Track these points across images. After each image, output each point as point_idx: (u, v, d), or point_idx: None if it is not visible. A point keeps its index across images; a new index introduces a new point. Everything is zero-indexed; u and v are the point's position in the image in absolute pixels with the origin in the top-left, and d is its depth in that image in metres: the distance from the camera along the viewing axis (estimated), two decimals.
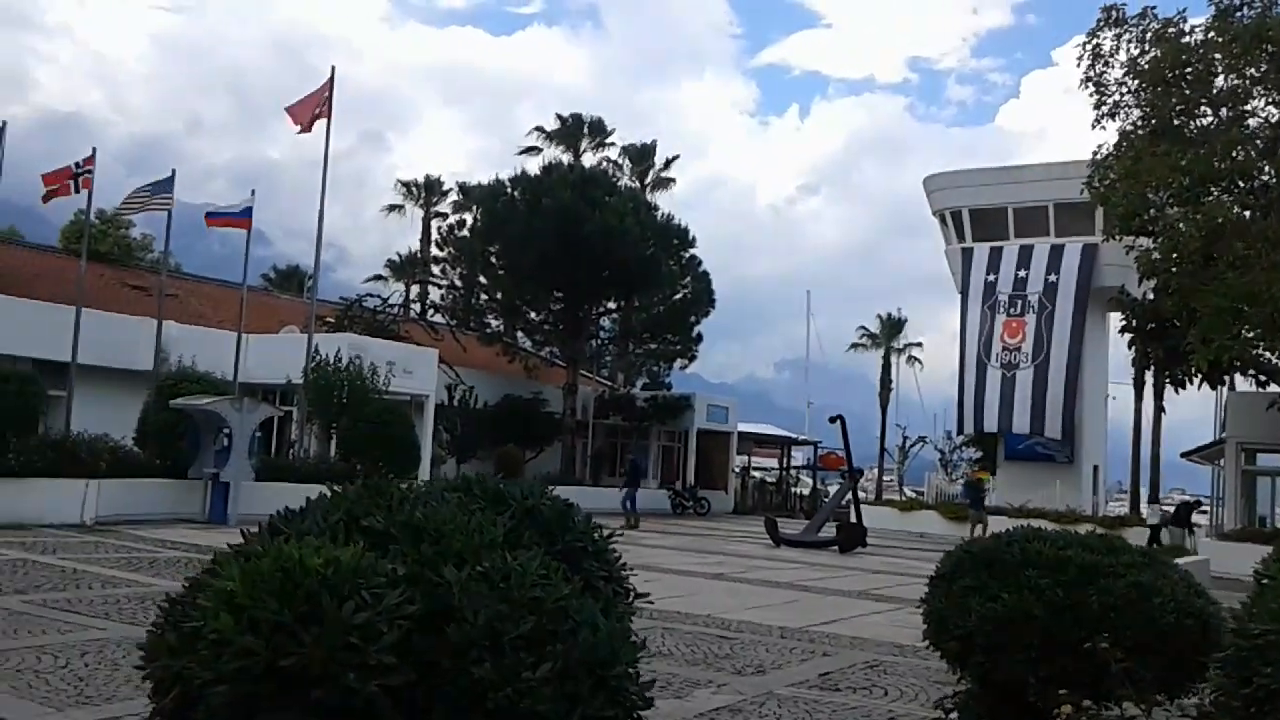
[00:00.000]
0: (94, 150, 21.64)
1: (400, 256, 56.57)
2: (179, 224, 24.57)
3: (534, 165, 42.66)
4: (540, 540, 3.03)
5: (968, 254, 38.25)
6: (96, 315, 22.98)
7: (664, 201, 48.13)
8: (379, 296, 37.73)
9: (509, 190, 37.62)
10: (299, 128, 23.23)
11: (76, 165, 21.18)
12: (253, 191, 23.53)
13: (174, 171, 22.27)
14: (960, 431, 42.23)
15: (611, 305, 41.21)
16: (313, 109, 23.68)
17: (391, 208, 57.43)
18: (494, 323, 41.04)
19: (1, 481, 17.04)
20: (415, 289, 52.96)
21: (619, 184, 43.58)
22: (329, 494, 3.40)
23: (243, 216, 23.12)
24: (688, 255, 40.28)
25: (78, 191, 22.04)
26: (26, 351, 21.81)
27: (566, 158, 48.68)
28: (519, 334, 42.72)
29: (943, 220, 39.58)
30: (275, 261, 64.53)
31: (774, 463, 52.78)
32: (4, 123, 20.40)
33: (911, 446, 58.54)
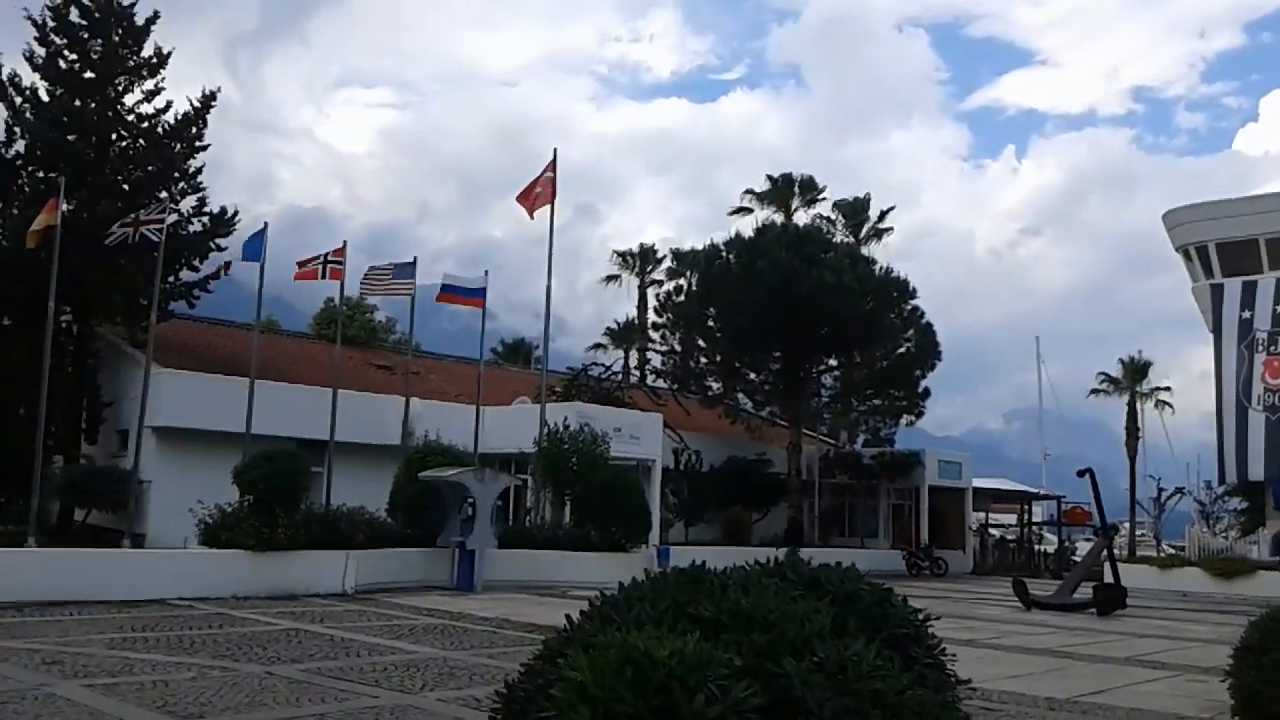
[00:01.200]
0: (344, 243, 23.32)
1: (618, 324, 57.83)
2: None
3: (746, 227, 42.95)
4: (864, 627, 2.92)
5: (1217, 290, 35.61)
6: (350, 395, 24.50)
7: (880, 254, 47.32)
8: (603, 365, 38.66)
9: (723, 253, 37.92)
10: (529, 213, 24.25)
11: (327, 256, 22.82)
12: (485, 272, 24.73)
13: (415, 259, 23.69)
14: (1221, 481, 39.04)
15: (832, 362, 40.64)
16: (534, 192, 24.67)
17: (609, 278, 58.95)
18: (714, 385, 41.21)
19: (272, 554, 18.25)
20: (635, 355, 53.95)
21: (834, 240, 43.22)
22: (648, 580, 3.38)
23: (476, 295, 24.24)
24: (909, 307, 39.32)
25: (325, 278, 23.74)
26: (289, 432, 23.45)
27: (778, 217, 48.75)
28: (740, 395, 42.68)
29: (1186, 256, 37.15)
30: (501, 335, 67.34)
31: (1012, 519, 50.31)
32: (265, 224, 22.33)
33: (1168, 499, 54.50)
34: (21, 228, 23.47)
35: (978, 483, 42.92)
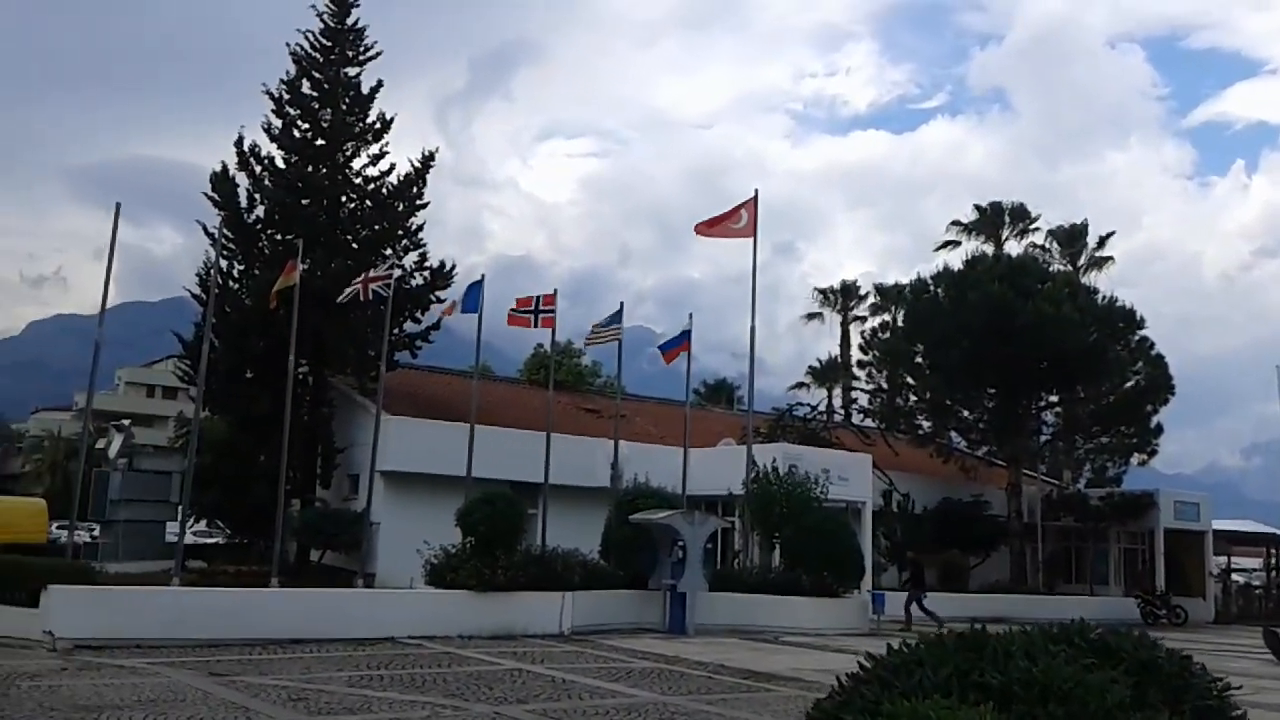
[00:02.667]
0: (554, 291, 23.96)
1: (820, 362, 57.16)
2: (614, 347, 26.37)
3: (954, 259, 41.73)
4: (1165, 699, 2.68)
5: None
6: (561, 439, 25.05)
7: (1101, 283, 44.99)
8: (808, 405, 38.17)
9: (931, 287, 36.90)
10: (700, 233, 24.22)
11: (538, 304, 23.52)
12: (690, 315, 24.86)
13: (621, 304, 24.17)
14: None
15: (1053, 398, 38.72)
16: (722, 223, 24.58)
17: (810, 316, 58.43)
18: (924, 424, 39.97)
19: (493, 595, 18.77)
20: (839, 394, 53.08)
21: (1050, 269, 41.40)
22: (921, 644, 3.23)
23: (683, 341, 24.44)
24: (1137, 338, 37.10)
25: (536, 326, 24.43)
26: (505, 475, 24.18)
27: (988, 248, 47.13)
28: (951, 434, 41.24)
29: None
30: (702, 375, 67.65)
31: (1258, 564, 46.35)
32: (482, 275, 23.28)
33: None
34: (263, 287, 25.30)
35: (1217, 525, 39.78)
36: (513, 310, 23.77)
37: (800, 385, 55.50)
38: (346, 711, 11.05)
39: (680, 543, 20.62)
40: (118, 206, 20.84)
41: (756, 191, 24.78)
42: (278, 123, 29.25)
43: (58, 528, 43.55)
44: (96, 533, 28.53)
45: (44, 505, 43.71)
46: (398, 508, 25.47)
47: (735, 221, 24.00)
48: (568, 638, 18.90)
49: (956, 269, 37.41)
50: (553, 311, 23.56)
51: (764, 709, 12.64)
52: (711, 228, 24.15)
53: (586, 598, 19.83)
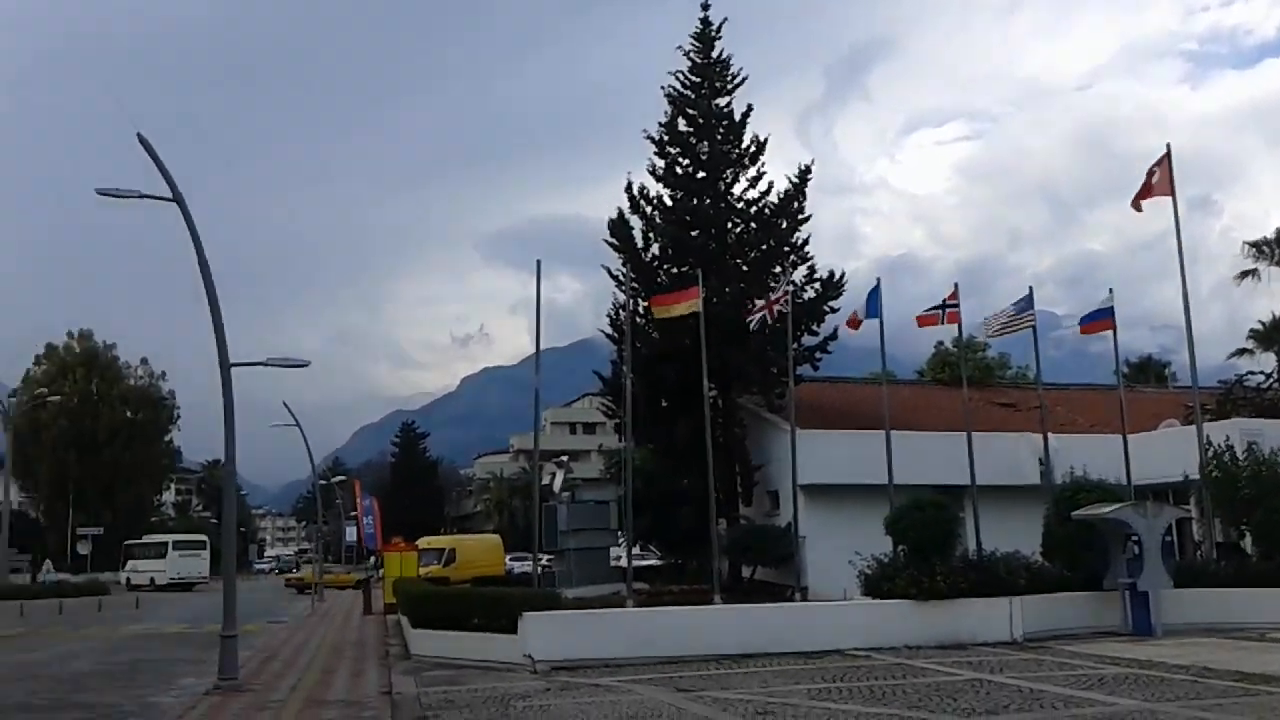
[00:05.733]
0: (955, 286, 23.11)
1: (1263, 324, 50.72)
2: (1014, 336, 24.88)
3: None
4: None
5: None
6: (981, 437, 23.99)
7: None
8: (1260, 373, 33.99)
9: None
10: (1136, 206, 22.29)
11: (945, 301, 22.80)
12: (1110, 291, 22.97)
13: (1030, 290, 22.79)
14: None
15: None
16: (1148, 192, 22.59)
17: (1243, 274, 52.12)
18: None
19: (934, 603, 18.25)
20: None
21: None
22: None
23: (1105, 317, 22.67)
24: None
25: (944, 323, 23.69)
26: (925, 479, 23.53)
27: None
28: None
29: None
30: (1120, 354, 62.51)
31: None
32: (878, 279, 22.95)
33: None
34: (666, 322, 26.50)
35: None
36: (921, 316, 23.25)
37: (1243, 352, 49.50)
38: None
39: (1134, 537, 19.01)
40: (538, 264, 22.79)
41: (1169, 147, 22.57)
42: (660, 163, 30.70)
43: (511, 559, 48.22)
44: (544, 562, 31.09)
45: (499, 540, 48.69)
46: (820, 520, 25.59)
47: (1153, 181, 21.99)
48: (1021, 645, 17.98)
49: None
50: (957, 306, 22.75)
51: (1272, 714, 11.29)
52: (1143, 198, 22.32)
53: (1035, 602, 18.76)
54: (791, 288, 26.32)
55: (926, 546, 18.83)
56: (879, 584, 18.84)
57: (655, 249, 30.39)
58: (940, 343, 39.25)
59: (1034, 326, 22.81)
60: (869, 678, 14.70)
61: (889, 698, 12.86)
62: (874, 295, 22.71)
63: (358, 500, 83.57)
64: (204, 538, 68.47)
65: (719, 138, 30.57)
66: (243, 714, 13.02)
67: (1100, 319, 22.64)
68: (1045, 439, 22.93)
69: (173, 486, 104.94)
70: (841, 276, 29.63)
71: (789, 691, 13.53)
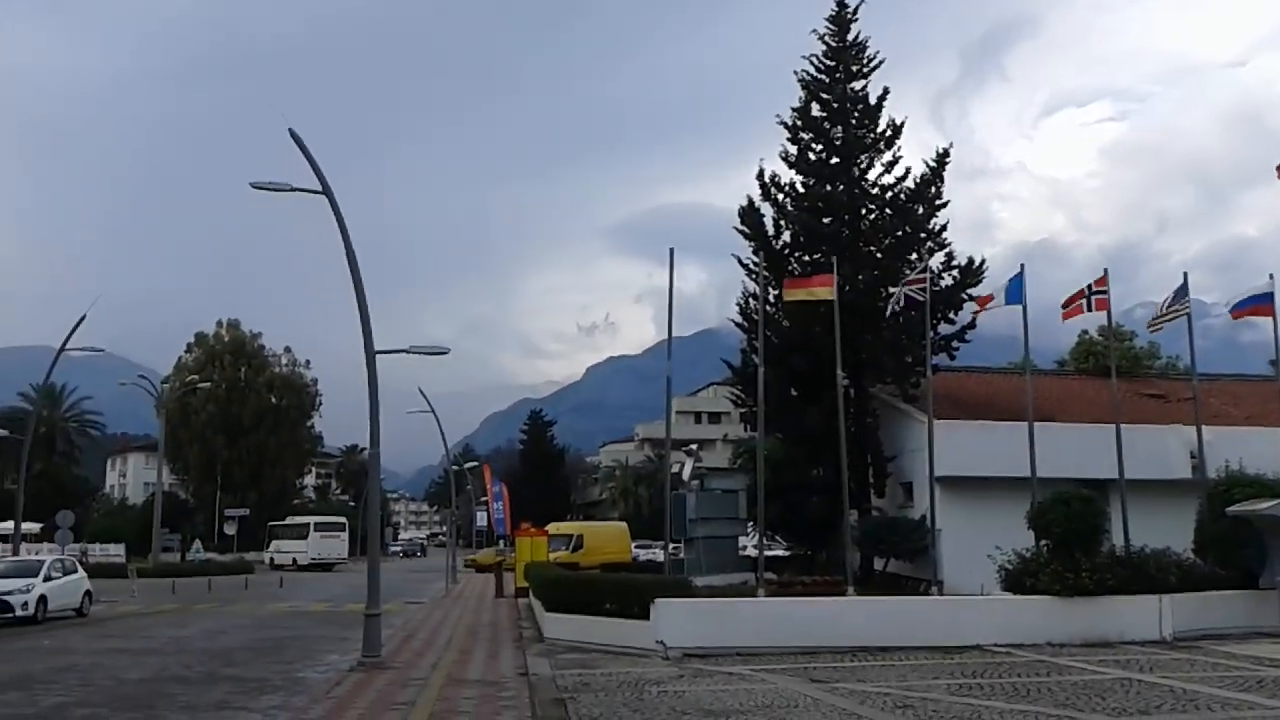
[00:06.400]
0: (1105, 271, 22.23)
1: None
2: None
3: None
4: None
5: None
6: (1129, 429, 23.04)
7: None
8: None
9: None
10: None
11: (1090, 287, 21.93)
12: (1271, 276, 21.69)
13: (1185, 276, 21.71)
14: None
15: None
16: None
17: None
18: None
19: (1078, 600, 17.65)
20: None
21: None
22: None
23: (1263, 303, 21.48)
24: None
25: (1091, 310, 22.76)
26: (1069, 472, 22.68)
27: None
28: None
29: None
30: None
31: None
32: (1022, 265, 22.18)
33: None
34: (797, 309, 26.23)
35: None
36: (1065, 303, 22.42)
37: None
38: None
39: None
40: (671, 252, 22.83)
41: None
42: (793, 150, 30.31)
43: (635, 546, 48.49)
44: (669, 550, 31.08)
45: (626, 528, 49.09)
46: (956, 513, 24.97)
47: None
48: (1170, 644, 17.28)
49: None
50: (1106, 293, 21.84)
51: None
52: None
53: (1187, 600, 17.99)
54: (929, 275, 25.71)
55: (1072, 541, 18.22)
56: (1020, 579, 18.31)
57: (786, 236, 30.04)
58: (1084, 331, 37.69)
59: (1189, 314, 21.76)
60: (1011, 674, 14.30)
61: (1034, 695, 12.48)
62: (1016, 281, 21.90)
63: (488, 486, 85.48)
64: (343, 520, 70.97)
65: (853, 122, 30.03)
66: (387, 690, 13.44)
67: (1257, 304, 21.42)
68: (1199, 431, 21.86)
69: (313, 470, 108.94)
70: (981, 263, 28.79)
71: (928, 686, 13.27)
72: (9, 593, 23.97)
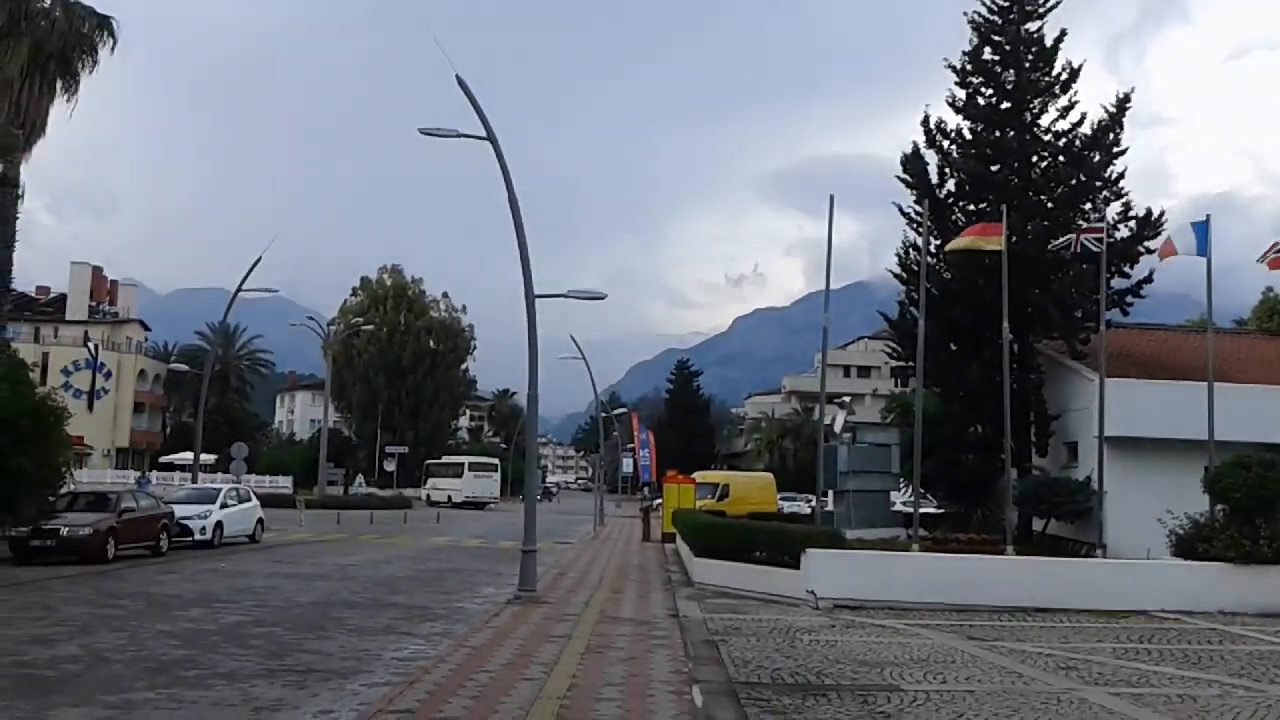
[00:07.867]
0: None
1: None
2: None
3: None
4: None
5: None
6: None
7: None
8: None
9: None
10: None
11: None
12: None
13: None
14: None
15: None
16: None
17: None
18: None
19: (1256, 568, 16.77)
20: None
21: None
22: None
23: None
24: None
25: None
26: (1249, 436, 21.53)
27: None
28: None
29: None
30: None
31: None
32: (1208, 215, 20.85)
33: None
34: (960, 260, 25.40)
35: None
36: (1268, 254, 20.98)
37: None
38: (1125, 684, 10.49)
39: None
40: (831, 199, 22.55)
41: None
42: (961, 94, 29.15)
43: (780, 498, 48.32)
44: (814, 502, 30.83)
45: (772, 479, 48.94)
46: (1124, 474, 23.87)
47: None
48: None
49: None
50: None
51: None
52: None
53: None
54: (1105, 225, 24.46)
55: (1251, 508, 17.25)
56: (1193, 545, 17.47)
57: (950, 185, 29.00)
58: (1269, 289, 35.39)
59: None
60: (1180, 641, 13.71)
61: (1206, 663, 11.93)
62: (1202, 231, 20.53)
63: (635, 433, 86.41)
64: (495, 461, 73.06)
65: (1027, 65, 28.62)
66: (543, 624, 13.79)
67: None
68: None
69: (467, 413, 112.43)
70: (1160, 215, 27.16)
71: (1092, 649, 12.83)
72: (189, 518, 25.53)
